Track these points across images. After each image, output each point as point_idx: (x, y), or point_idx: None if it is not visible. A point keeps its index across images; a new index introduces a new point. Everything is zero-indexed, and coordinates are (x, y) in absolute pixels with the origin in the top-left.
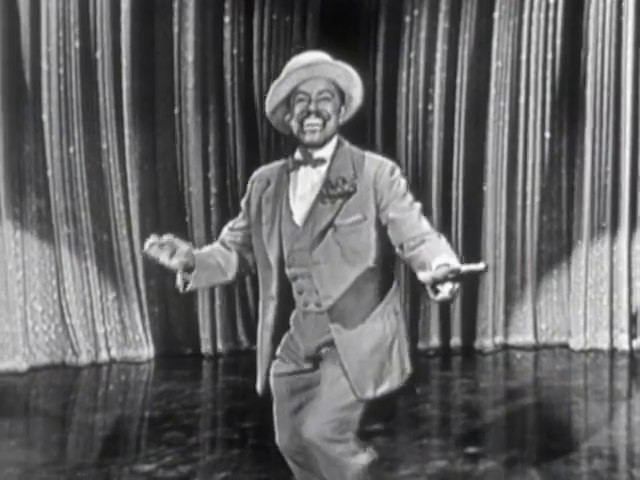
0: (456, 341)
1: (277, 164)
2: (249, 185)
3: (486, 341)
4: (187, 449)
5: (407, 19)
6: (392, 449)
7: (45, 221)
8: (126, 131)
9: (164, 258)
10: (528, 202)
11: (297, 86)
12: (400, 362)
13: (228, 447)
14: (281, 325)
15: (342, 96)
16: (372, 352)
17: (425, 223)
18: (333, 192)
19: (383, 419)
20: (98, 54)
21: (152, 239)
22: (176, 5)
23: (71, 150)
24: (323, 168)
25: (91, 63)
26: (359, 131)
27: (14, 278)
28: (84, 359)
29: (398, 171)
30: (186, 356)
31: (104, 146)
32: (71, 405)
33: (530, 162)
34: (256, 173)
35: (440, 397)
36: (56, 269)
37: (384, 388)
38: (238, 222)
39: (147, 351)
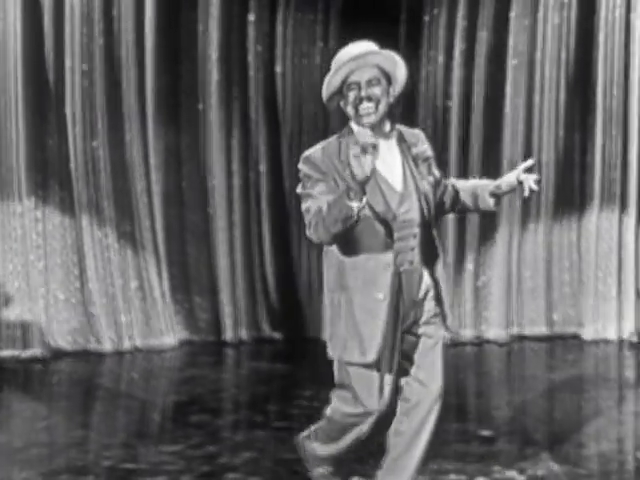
0: (470, 332)
1: (326, 145)
2: (309, 163)
3: (501, 332)
4: (213, 431)
5: (426, 18)
6: None
7: (68, 211)
8: (150, 125)
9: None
10: (542, 198)
11: (348, 76)
12: None
13: (252, 429)
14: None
15: (388, 78)
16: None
17: None
18: (419, 156)
19: None
20: (122, 51)
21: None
22: (201, 2)
23: (94, 143)
24: (394, 139)
25: (115, 59)
26: None
27: (36, 268)
28: (107, 347)
29: None
30: (209, 344)
31: (127, 139)
32: (95, 390)
33: (544, 159)
34: (311, 156)
35: (455, 385)
36: (78, 259)
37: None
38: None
39: (170, 339)
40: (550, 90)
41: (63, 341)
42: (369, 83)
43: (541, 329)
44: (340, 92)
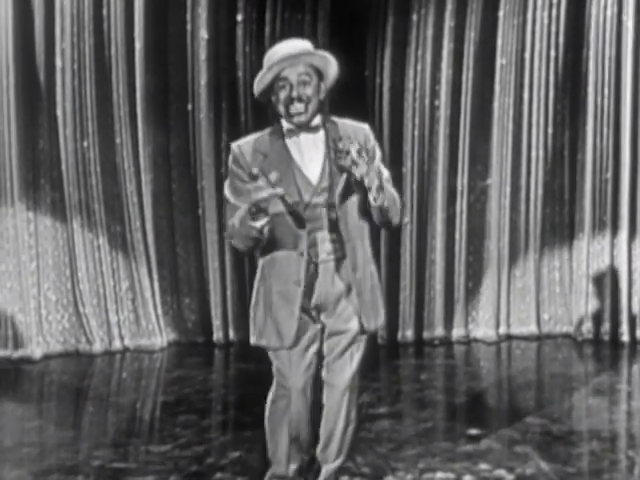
0: (459, 331)
1: (256, 137)
2: (237, 162)
3: (489, 331)
4: (201, 431)
5: (414, 17)
6: (398, 431)
7: (59, 213)
8: (140, 126)
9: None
10: (532, 195)
11: (279, 73)
12: (382, 302)
13: (240, 429)
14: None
15: (320, 74)
16: (373, 290)
17: None
18: (343, 149)
19: (389, 403)
20: (112, 51)
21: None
22: (189, 3)
23: (85, 144)
24: (321, 132)
25: (105, 59)
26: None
27: (28, 269)
28: (98, 347)
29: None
30: (198, 344)
31: (118, 140)
32: (86, 390)
33: (534, 156)
34: (239, 150)
35: (444, 383)
36: (69, 260)
37: (379, 322)
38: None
39: (160, 340)
40: (539, 89)
41: (54, 341)
42: (300, 82)
43: (530, 328)
44: (272, 89)
